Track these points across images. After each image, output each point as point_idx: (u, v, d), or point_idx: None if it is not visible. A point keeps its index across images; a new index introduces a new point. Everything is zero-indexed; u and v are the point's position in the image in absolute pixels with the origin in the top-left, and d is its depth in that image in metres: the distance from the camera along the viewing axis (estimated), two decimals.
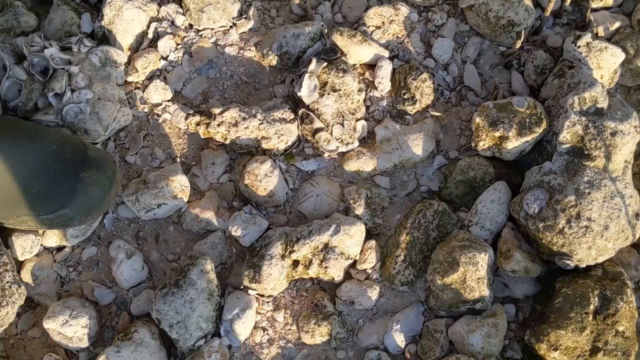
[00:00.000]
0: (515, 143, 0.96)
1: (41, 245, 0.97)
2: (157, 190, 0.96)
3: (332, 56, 1.03)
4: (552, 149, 0.97)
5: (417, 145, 1.02)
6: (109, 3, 1.03)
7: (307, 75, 1.00)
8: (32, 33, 1.05)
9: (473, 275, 0.90)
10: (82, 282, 0.98)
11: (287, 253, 0.93)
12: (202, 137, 1.01)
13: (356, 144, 1.02)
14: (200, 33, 1.09)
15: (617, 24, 1.10)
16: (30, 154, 0.86)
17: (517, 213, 0.94)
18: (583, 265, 0.92)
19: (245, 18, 1.10)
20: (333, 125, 1.01)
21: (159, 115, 1.05)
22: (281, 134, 1.00)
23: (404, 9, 1.10)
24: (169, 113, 1.05)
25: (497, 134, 0.97)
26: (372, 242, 0.97)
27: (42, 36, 0.99)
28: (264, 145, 1.00)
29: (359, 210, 0.99)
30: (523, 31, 1.07)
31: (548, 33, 1.13)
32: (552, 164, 0.94)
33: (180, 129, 1.05)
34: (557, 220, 0.90)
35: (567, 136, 0.94)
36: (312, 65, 1.01)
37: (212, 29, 1.09)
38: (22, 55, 0.99)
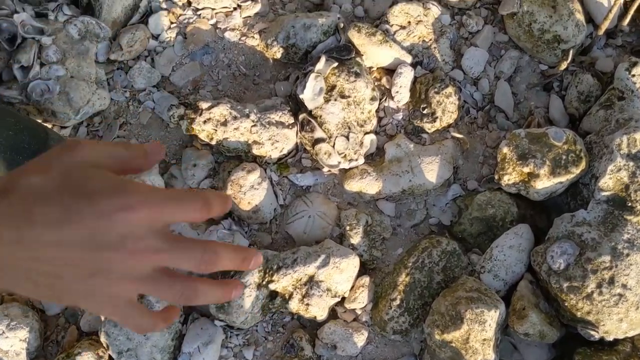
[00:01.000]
0: (546, 183, 0.82)
1: None
2: None
3: (345, 55, 0.89)
4: (589, 195, 0.82)
5: (432, 171, 0.88)
6: None
7: (312, 75, 0.86)
8: None
9: (478, 335, 0.76)
10: None
11: (264, 282, 0.80)
12: (185, 133, 0.88)
13: (361, 160, 0.88)
14: (198, 12, 0.95)
15: None
16: None
17: (538, 265, 0.80)
18: (610, 338, 0.78)
19: (253, 0, 0.96)
20: (337, 137, 0.87)
21: (140, 103, 0.92)
22: (276, 140, 0.87)
23: (435, 10, 0.95)
24: (153, 101, 0.91)
25: (526, 170, 0.82)
26: (366, 279, 0.83)
27: None
28: (255, 151, 0.87)
29: (356, 239, 0.85)
30: (570, 50, 0.92)
31: (598, 54, 0.97)
32: (587, 213, 0.80)
33: (162, 120, 0.91)
34: (586, 282, 0.76)
35: (608, 182, 0.79)
36: (320, 64, 0.87)
37: (213, 9, 0.95)
38: None
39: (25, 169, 0.38)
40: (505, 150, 0.84)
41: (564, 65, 0.91)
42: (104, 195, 0.37)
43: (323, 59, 0.87)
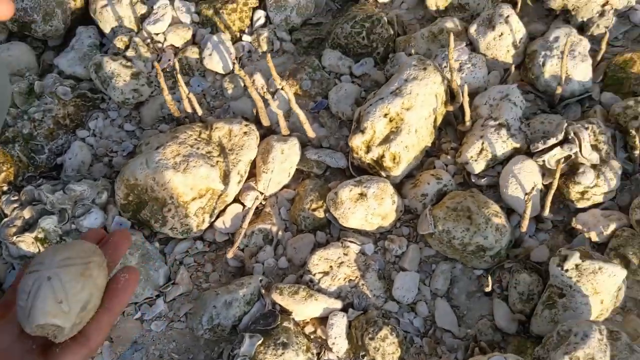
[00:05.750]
0: None
1: None
2: None
3: (271, 323, 0.87)
4: None
5: None
6: None
7: None
8: None
9: None
10: None
11: None
12: None
13: None
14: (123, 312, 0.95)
15: (612, 226, 0.91)
16: None
17: None
18: None
19: (174, 283, 0.95)
20: None
21: None
22: None
23: (354, 247, 0.94)
24: None
25: None
26: None
27: None
28: None
29: None
30: (500, 251, 0.89)
31: (531, 244, 0.94)
32: None
33: None
34: None
35: None
36: (244, 345, 0.84)
37: (136, 302, 0.95)
38: None
39: None
40: None
41: (488, 288, 0.88)
42: None
43: (247, 339, 0.85)
